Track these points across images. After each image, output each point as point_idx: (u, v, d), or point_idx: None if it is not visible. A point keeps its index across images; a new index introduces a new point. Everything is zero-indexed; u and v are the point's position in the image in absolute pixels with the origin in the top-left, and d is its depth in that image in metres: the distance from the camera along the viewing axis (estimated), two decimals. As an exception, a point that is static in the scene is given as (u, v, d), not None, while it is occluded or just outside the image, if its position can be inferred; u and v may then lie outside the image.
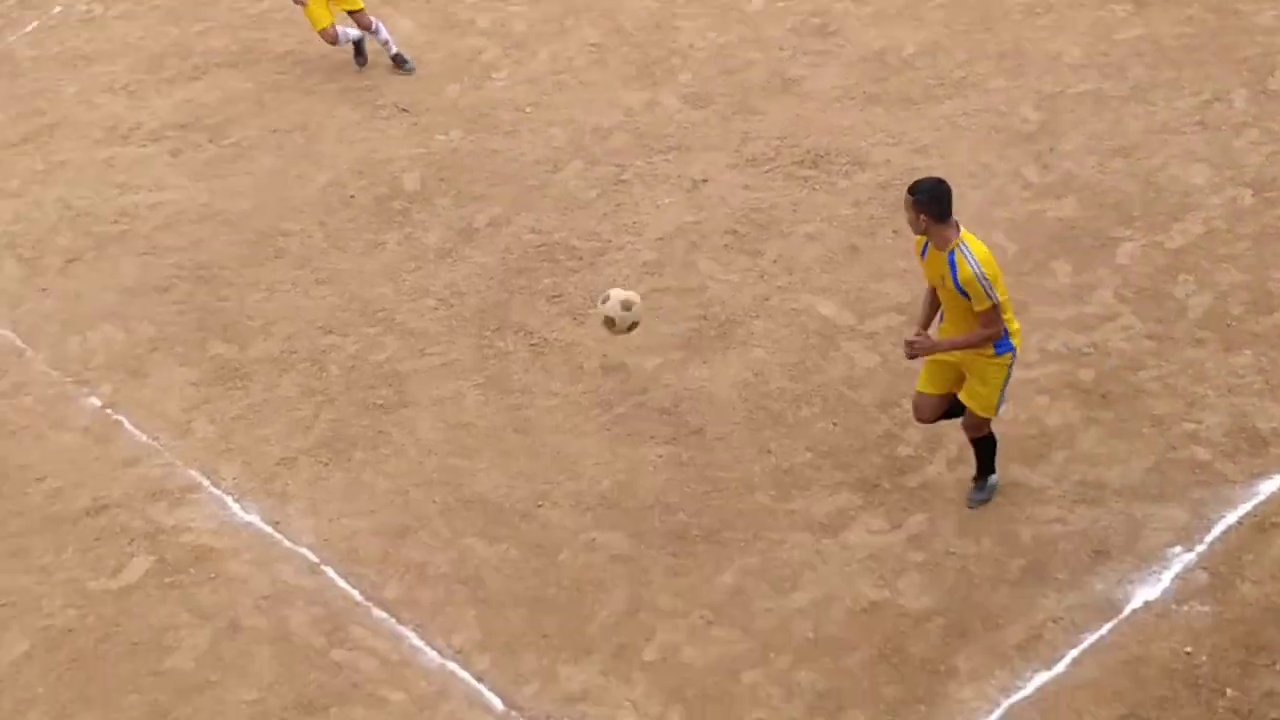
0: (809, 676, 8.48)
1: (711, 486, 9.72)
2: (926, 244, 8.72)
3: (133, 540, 9.73)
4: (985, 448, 9.26)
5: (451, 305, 11.42)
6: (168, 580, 9.44)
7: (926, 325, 8.94)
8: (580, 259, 11.73)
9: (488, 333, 11.12)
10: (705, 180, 12.45)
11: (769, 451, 9.92)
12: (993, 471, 9.37)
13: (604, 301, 9.28)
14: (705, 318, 11.04)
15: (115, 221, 12.63)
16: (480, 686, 8.63)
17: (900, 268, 11.26)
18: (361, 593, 9.25)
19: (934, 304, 8.92)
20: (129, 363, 11.16)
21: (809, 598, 8.92)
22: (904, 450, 9.80)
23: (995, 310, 8.54)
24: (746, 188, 12.32)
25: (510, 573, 9.27)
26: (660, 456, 9.98)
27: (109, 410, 10.75)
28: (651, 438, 10.13)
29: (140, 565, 9.57)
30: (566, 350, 10.87)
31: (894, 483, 9.58)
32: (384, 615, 9.10)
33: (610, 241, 11.89)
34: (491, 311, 11.32)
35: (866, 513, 9.40)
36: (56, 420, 10.76)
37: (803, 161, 12.56)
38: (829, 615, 8.80)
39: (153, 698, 8.73)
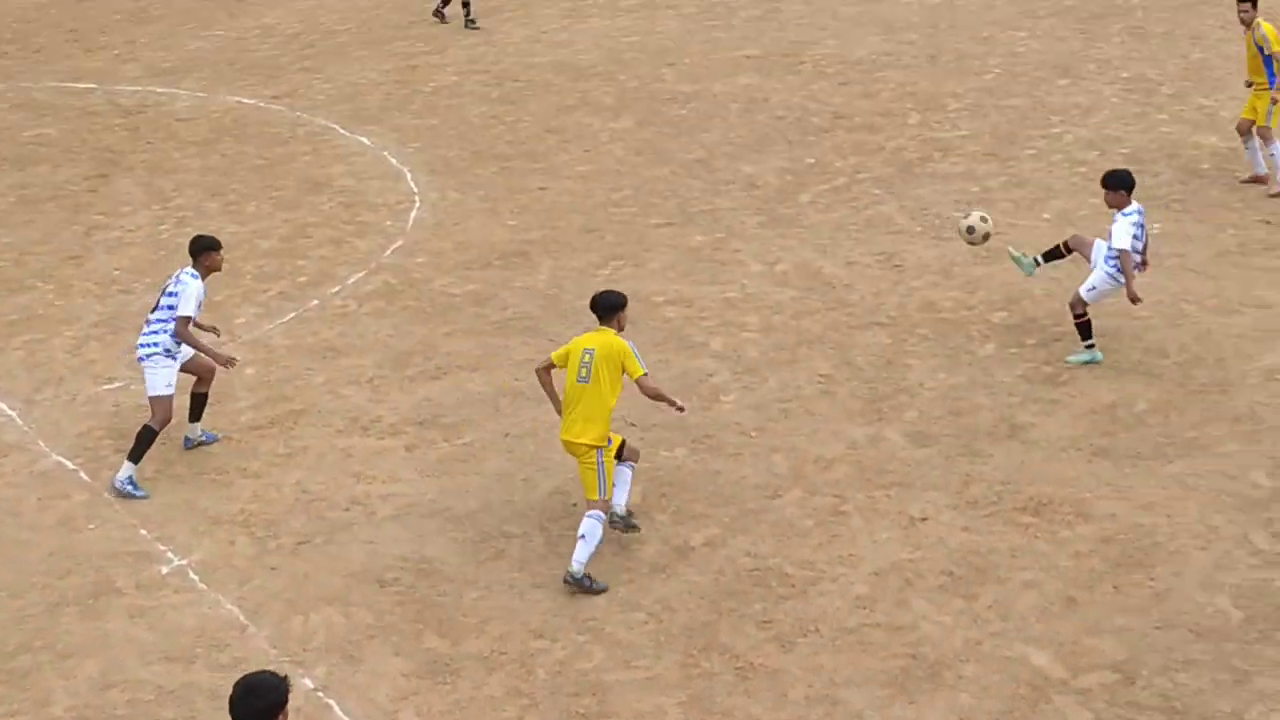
0: None
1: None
2: None
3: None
4: None
5: (661, 620, 11.46)
6: None
7: None
8: (792, 586, 11.73)
9: (694, 652, 11.11)
10: (924, 519, 12.43)
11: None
12: None
13: (965, 217, 12.86)
14: (914, 657, 10.90)
15: (347, 509, 13.01)
16: None
17: (1118, 624, 11.04)
18: None
19: None
20: (345, 647, 11.37)
21: None
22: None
23: None
24: (966, 530, 12.27)
25: None
26: (858, 795, 9.78)
27: (321, 693, 10.93)
28: (851, 775, 9.96)
29: None
30: (772, 677, 10.80)
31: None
32: None
33: (824, 572, 11.88)
34: (700, 631, 11.33)
35: None
36: (267, 698, 10.92)
37: (1025, 509, 12.48)
38: None
39: None
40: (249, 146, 21.38)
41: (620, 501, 12.34)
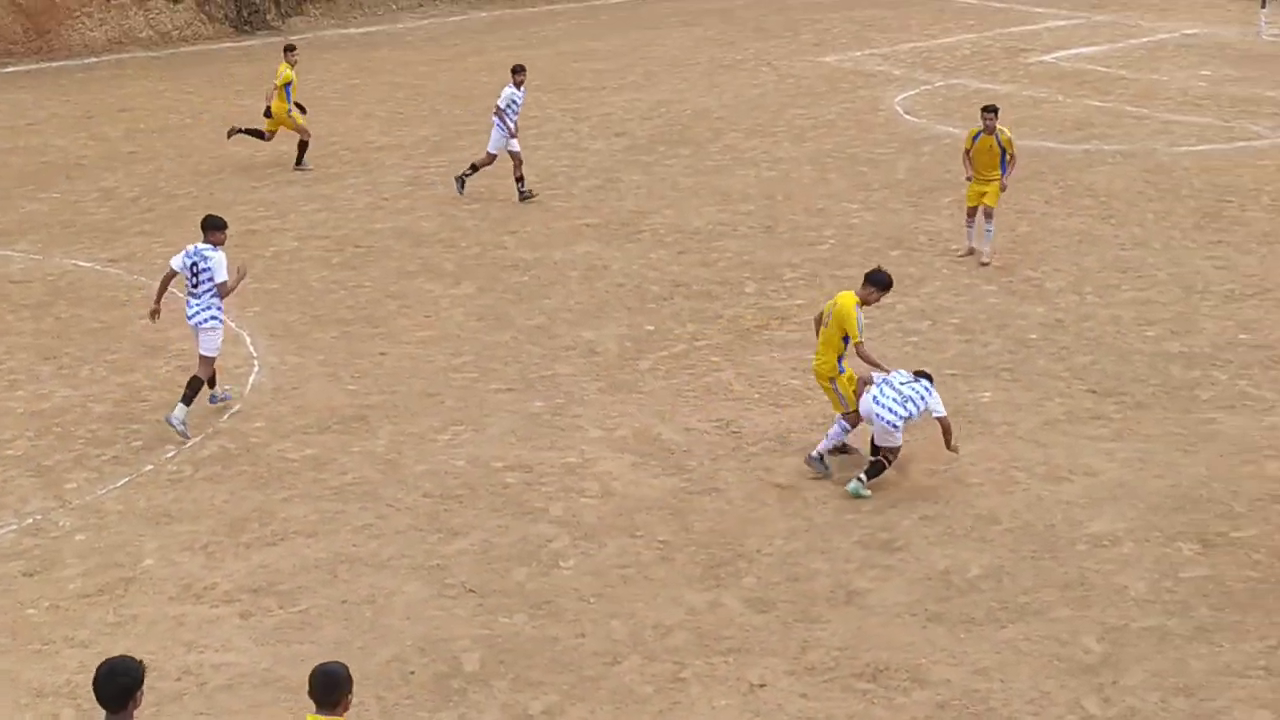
0: None
1: None
2: None
3: None
4: None
5: (499, 791, 11.32)
6: None
7: None
8: (633, 754, 11.66)
9: (533, 823, 10.97)
10: (763, 685, 12.46)
11: None
12: None
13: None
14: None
15: (178, 679, 12.71)
16: None
17: (955, 790, 11.11)
18: None
19: None
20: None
21: None
22: None
23: None
24: (804, 696, 12.31)
25: None
26: None
27: None
28: None
29: None
30: None
31: None
32: None
33: (664, 739, 11.83)
34: (539, 801, 11.19)
35: None
36: None
37: (862, 674, 12.57)
38: None
39: None
40: (84, 310, 21.12)
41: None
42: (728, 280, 21.78)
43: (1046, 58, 36.93)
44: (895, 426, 15.32)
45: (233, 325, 20.12)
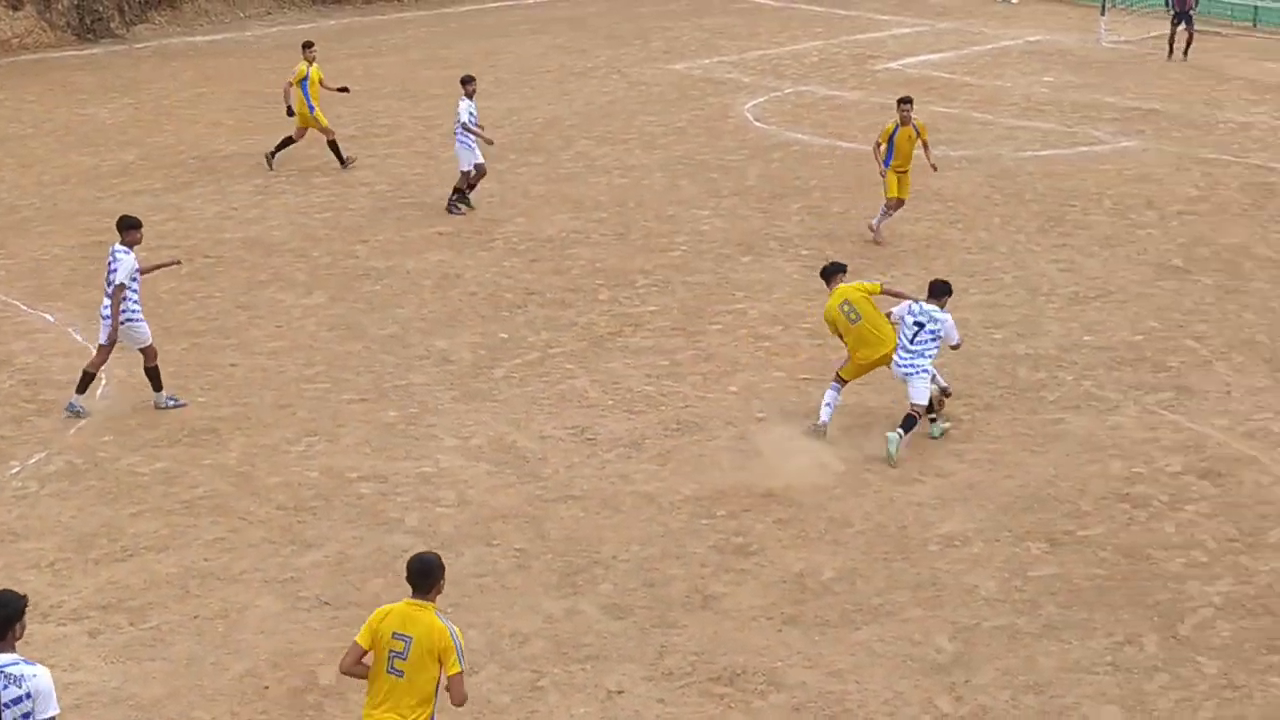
0: None
1: None
2: None
3: None
4: None
5: (357, 805, 11.22)
6: None
7: None
8: (491, 764, 11.62)
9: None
10: (620, 691, 12.49)
11: None
12: None
13: None
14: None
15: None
16: None
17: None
18: None
19: None
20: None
21: None
22: None
23: None
24: (661, 701, 12.36)
25: None
26: None
27: None
28: None
29: None
30: None
31: None
32: None
33: (523, 748, 11.81)
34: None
35: None
36: None
37: (719, 679, 12.65)
38: None
39: None
40: (-77, 323, 20.63)
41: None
42: (581, 287, 21.80)
43: (893, 65, 37.41)
44: (921, 376, 16.57)
45: (79, 338, 19.78)
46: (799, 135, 30.18)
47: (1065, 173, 27.69)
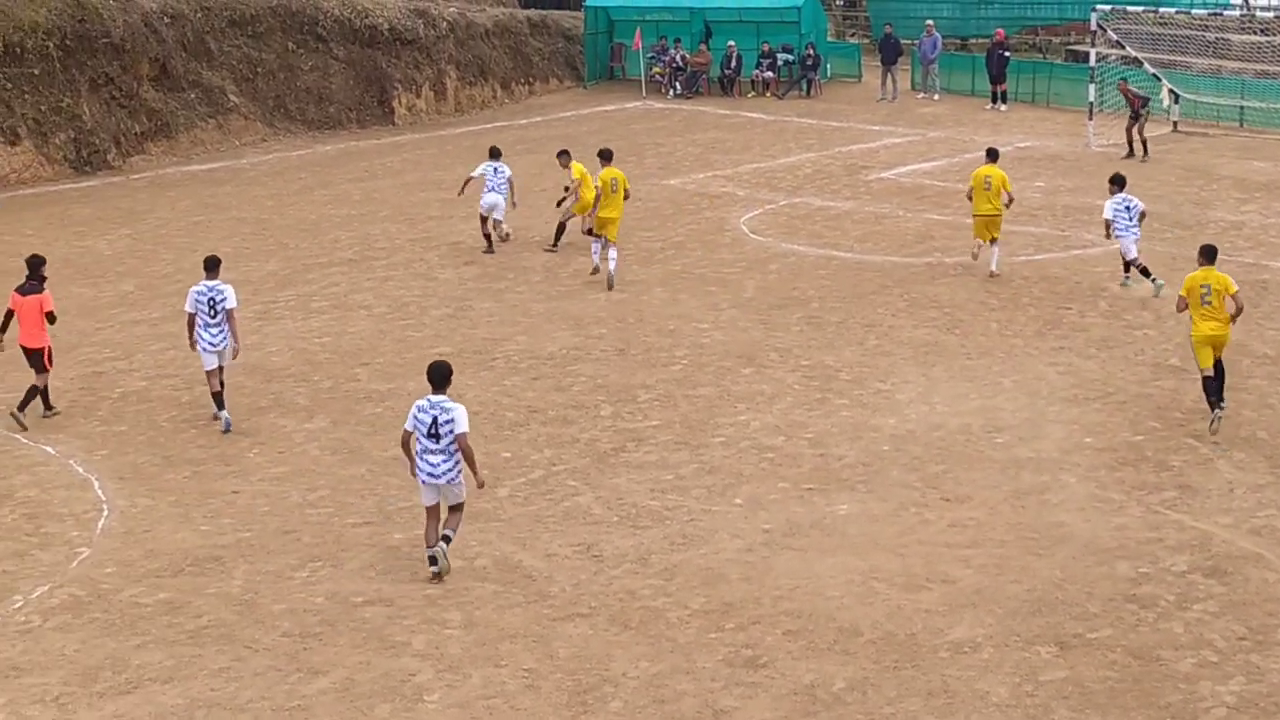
0: None
1: None
2: None
3: None
4: None
5: None
6: None
7: None
8: None
9: None
10: (634, 811, 12.36)
11: None
12: None
13: None
14: None
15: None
16: None
17: None
18: None
19: None
20: None
21: None
22: None
23: None
24: (675, 820, 12.23)
25: None
26: None
27: None
28: None
29: None
30: None
31: None
32: None
33: None
34: None
35: None
36: None
37: (732, 794, 12.53)
38: None
39: None
40: (-75, 458, 20.64)
41: None
42: (582, 404, 21.83)
43: (886, 174, 37.70)
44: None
45: (80, 470, 19.78)
46: (795, 246, 30.36)
47: (1060, 276, 27.84)
